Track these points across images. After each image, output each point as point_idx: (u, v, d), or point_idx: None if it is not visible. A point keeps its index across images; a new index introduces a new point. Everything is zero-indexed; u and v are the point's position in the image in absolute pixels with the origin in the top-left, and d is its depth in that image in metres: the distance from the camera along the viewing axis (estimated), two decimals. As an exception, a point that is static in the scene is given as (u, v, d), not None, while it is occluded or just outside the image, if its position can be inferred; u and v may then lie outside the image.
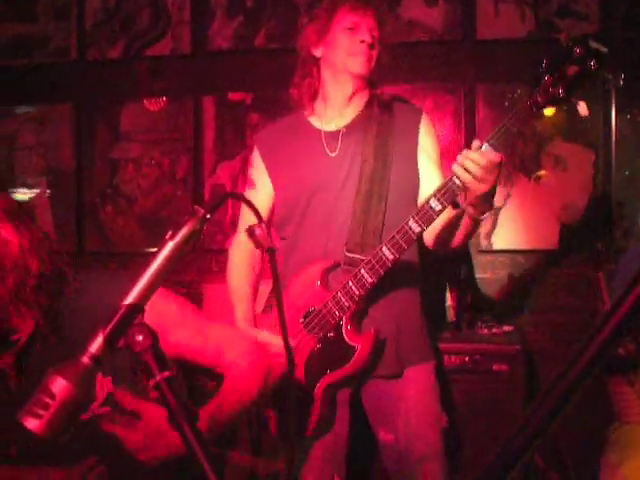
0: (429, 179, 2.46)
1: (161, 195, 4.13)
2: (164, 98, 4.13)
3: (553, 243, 3.75)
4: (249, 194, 2.63)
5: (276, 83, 3.94)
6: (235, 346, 1.89)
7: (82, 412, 1.11)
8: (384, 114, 2.50)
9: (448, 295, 3.81)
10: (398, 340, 2.45)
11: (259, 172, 2.63)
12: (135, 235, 4.18)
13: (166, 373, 1.06)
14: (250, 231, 1.13)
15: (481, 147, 2.09)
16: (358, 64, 2.43)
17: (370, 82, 2.53)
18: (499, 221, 3.80)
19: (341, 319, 2.35)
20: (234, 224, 3.84)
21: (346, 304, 2.32)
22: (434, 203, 2.16)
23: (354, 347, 2.33)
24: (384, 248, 2.24)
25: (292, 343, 2.40)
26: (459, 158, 2.10)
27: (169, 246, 1.10)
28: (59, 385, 1.07)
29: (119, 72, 4.21)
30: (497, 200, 3.80)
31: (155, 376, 1.05)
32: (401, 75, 3.83)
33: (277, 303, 1.17)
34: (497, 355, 3.23)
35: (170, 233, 1.11)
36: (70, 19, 4.25)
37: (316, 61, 2.53)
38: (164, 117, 4.13)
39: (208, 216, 1.11)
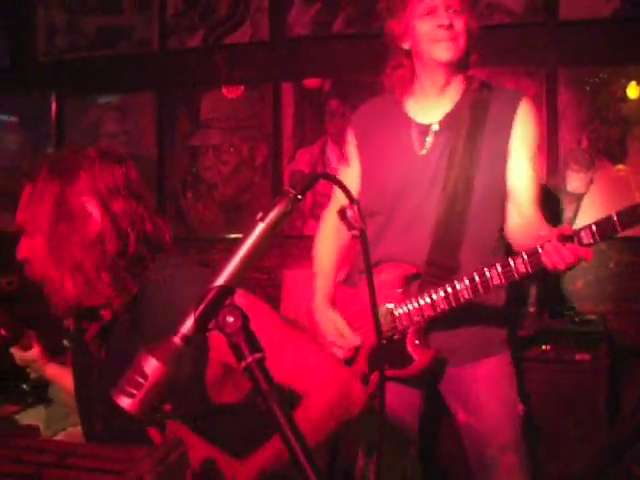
0: (519, 177, 2.35)
1: (241, 181, 4.17)
2: (243, 86, 4.17)
3: (638, 230, 3.63)
4: (343, 171, 2.61)
5: (355, 68, 3.93)
6: (324, 370, 1.71)
7: (173, 392, 1.12)
8: (480, 104, 2.37)
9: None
10: (474, 335, 2.42)
11: (352, 150, 2.57)
12: (215, 221, 4.24)
13: (257, 355, 1.06)
14: (341, 212, 1.13)
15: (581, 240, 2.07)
16: (443, 51, 2.28)
17: (465, 65, 2.39)
18: (582, 207, 3.70)
19: (408, 328, 2.35)
20: (313, 211, 3.89)
21: (415, 318, 2.33)
22: (520, 265, 2.15)
23: (412, 358, 2.35)
24: (462, 285, 2.23)
25: (361, 331, 2.43)
26: (551, 249, 2.07)
27: (260, 227, 1.11)
28: (151, 365, 1.09)
29: (199, 61, 4.27)
30: (580, 186, 3.72)
31: (246, 357, 1.06)
32: (480, 59, 3.75)
33: (369, 284, 1.16)
34: (579, 344, 3.18)
35: (261, 214, 1.11)
36: (152, 10, 4.34)
37: (407, 52, 2.40)
38: (243, 104, 4.17)
39: (299, 197, 1.11)
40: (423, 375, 2.41)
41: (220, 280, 1.10)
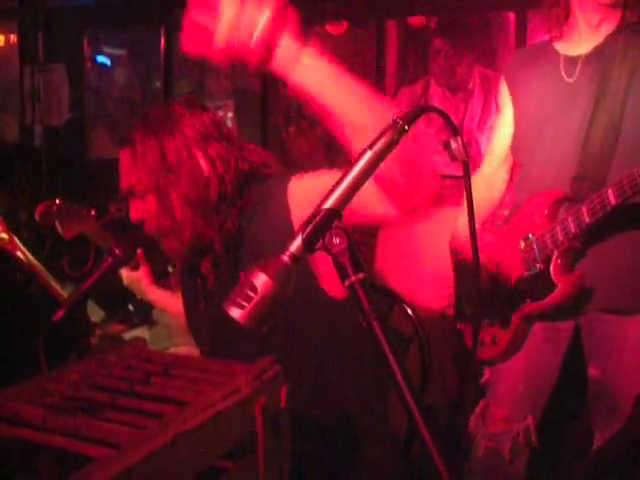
0: None
1: (342, 118, 4.20)
2: (347, 22, 4.17)
3: None
4: (498, 121, 2.66)
5: (461, 8, 3.87)
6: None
7: (278, 306, 1.19)
8: (634, 39, 2.29)
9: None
10: (633, 273, 2.32)
11: (504, 97, 2.60)
12: (315, 156, 4.28)
13: (360, 275, 1.12)
14: (445, 143, 1.16)
15: None
16: None
17: (623, 6, 2.30)
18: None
19: (552, 253, 2.31)
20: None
21: (560, 239, 2.28)
22: None
23: (555, 285, 2.30)
24: (609, 191, 2.13)
25: (505, 262, 2.45)
26: None
27: (367, 154, 1.16)
28: (261, 280, 1.16)
29: (305, -3, 4.28)
30: None
31: (350, 277, 1.12)
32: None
33: (469, 220, 1.19)
34: None
35: (369, 142, 1.16)
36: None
37: None
38: (347, 41, 4.17)
39: (406, 128, 1.15)
40: (567, 306, 2.33)
41: (328, 203, 1.16)
